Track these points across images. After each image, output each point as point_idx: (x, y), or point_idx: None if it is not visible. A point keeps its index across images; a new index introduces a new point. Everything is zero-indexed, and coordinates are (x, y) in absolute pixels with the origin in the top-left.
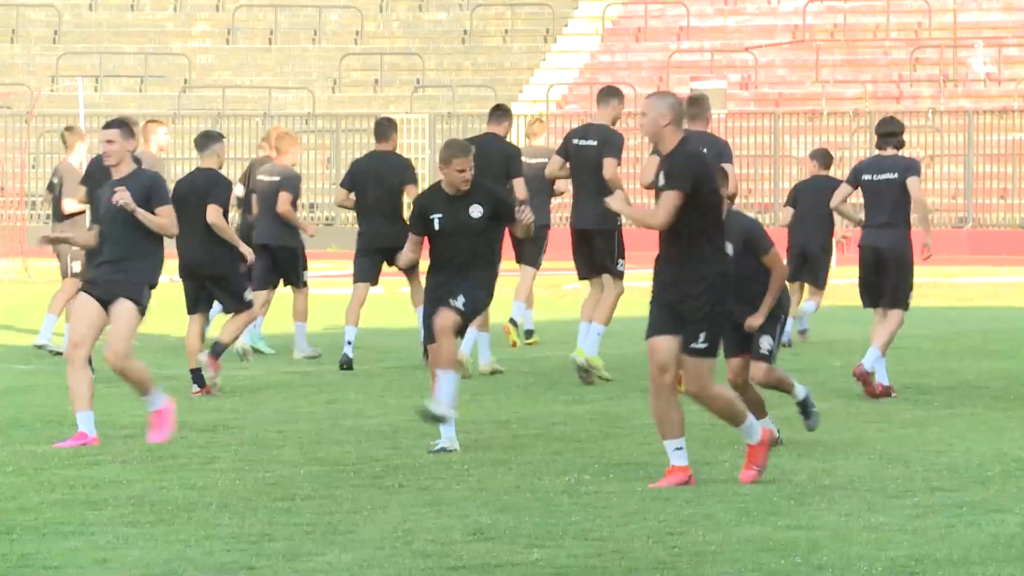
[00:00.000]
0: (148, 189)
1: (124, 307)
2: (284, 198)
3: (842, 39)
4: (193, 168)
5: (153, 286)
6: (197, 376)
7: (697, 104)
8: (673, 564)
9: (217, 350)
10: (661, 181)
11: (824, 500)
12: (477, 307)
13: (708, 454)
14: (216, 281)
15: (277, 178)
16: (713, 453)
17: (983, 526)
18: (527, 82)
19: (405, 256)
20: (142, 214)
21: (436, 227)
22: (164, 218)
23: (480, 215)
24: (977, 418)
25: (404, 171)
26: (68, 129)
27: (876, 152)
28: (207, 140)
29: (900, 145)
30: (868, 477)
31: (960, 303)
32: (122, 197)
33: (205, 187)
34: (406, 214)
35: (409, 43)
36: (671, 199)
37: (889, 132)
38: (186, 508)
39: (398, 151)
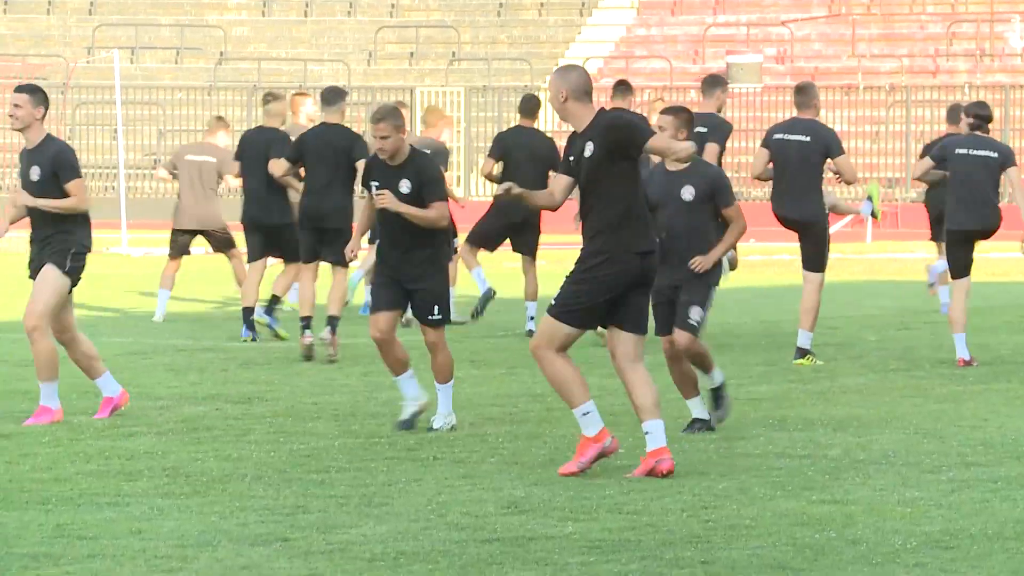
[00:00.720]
0: (55, 162)
1: (47, 270)
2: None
3: (878, 13)
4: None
5: (82, 252)
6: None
7: (803, 93)
8: (707, 538)
9: (333, 324)
10: (590, 151)
11: (859, 475)
12: (445, 304)
13: (743, 428)
14: (335, 233)
15: (427, 151)
16: (749, 428)
17: (1018, 501)
18: (562, 55)
19: (360, 219)
20: (45, 204)
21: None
22: (72, 197)
23: (408, 191)
24: (1012, 393)
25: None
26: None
27: (972, 133)
28: (335, 96)
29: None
30: (903, 452)
31: (995, 278)
32: (27, 202)
33: (341, 143)
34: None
35: (444, 16)
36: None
37: (989, 116)
38: (220, 480)
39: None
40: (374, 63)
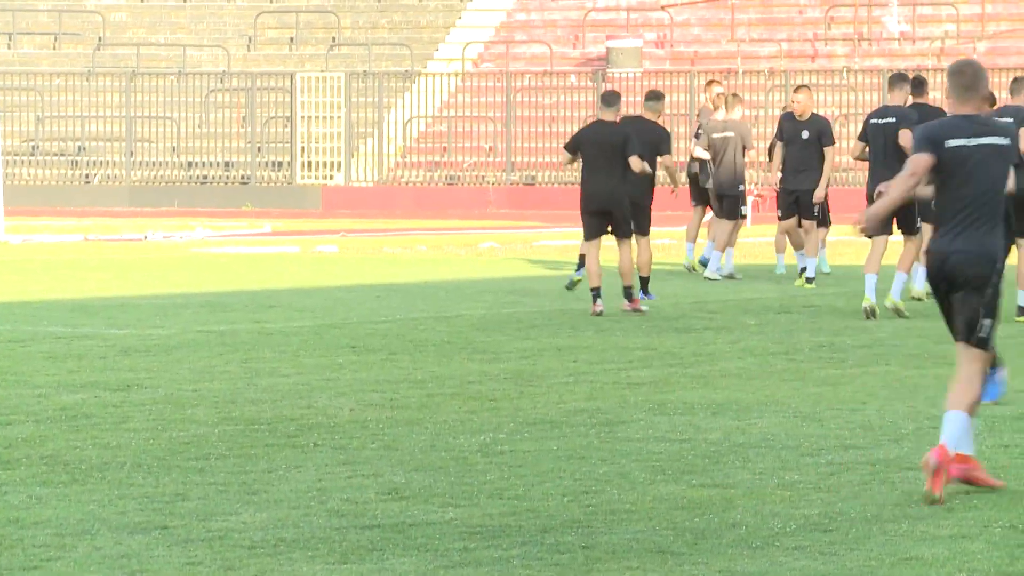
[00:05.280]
0: None
1: None
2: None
3: None
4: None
5: None
6: (596, 292)
7: (1019, 83)
8: (588, 523)
9: (628, 294)
10: None
11: (738, 458)
12: None
13: (623, 413)
14: (611, 214)
15: (731, 133)
16: (629, 412)
17: (896, 484)
18: (443, 40)
19: None
20: None
21: None
22: None
23: None
24: (891, 376)
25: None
26: (734, 95)
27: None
28: (615, 99)
29: None
30: (782, 435)
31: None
32: None
33: (615, 139)
34: None
35: (324, 1)
36: None
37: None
38: (99, 467)
39: (318, 109)
40: (254, 48)
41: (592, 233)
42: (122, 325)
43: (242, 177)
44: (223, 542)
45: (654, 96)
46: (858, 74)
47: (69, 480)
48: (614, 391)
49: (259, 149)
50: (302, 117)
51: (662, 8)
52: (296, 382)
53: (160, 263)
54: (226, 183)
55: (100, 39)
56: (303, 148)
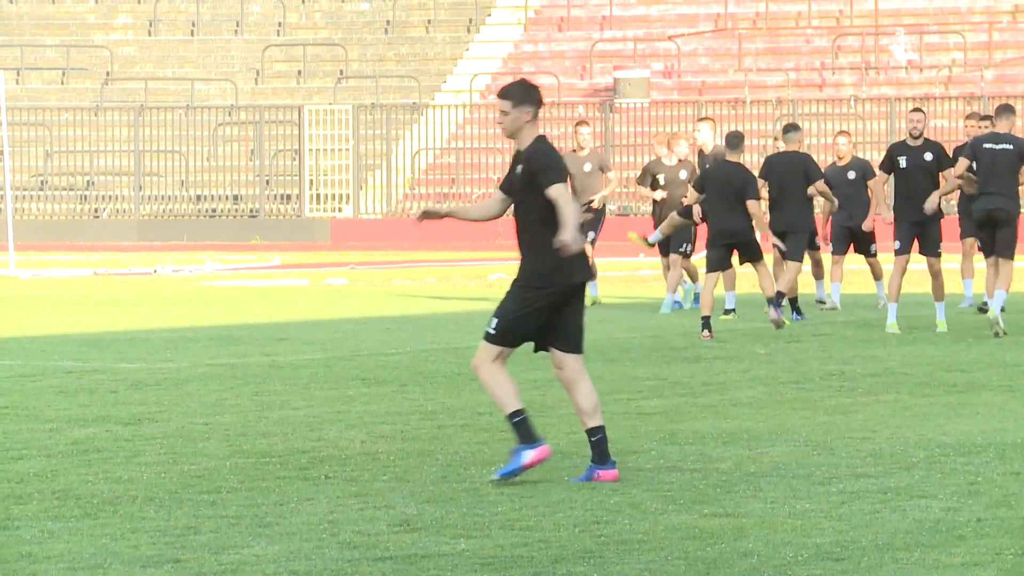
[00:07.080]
0: None
1: None
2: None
3: (764, 27)
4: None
5: None
6: (706, 323)
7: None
8: (600, 553)
9: (777, 301)
10: None
11: (750, 487)
12: None
13: (635, 443)
14: (742, 246)
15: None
16: (640, 442)
17: (907, 512)
18: (451, 72)
19: None
20: None
21: None
22: None
23: None
24: (901, 404)
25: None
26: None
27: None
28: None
29: None
30: (793, 464)
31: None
32: None
33: (736, 179)
34: None
35: (332, 34)
36: None
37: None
38: (111, 501)
39: (326, 142)
40: (262, 82)
41: (713, 265)
42: (132, 359)
43: (251, 210)
44: (235, 575)
45: (791, 128)
46: (865, 103)
47: (81, 514)
48: (625, 421)
49: (268, 182)
50: (310, 150)
51: (669, 38)
52: (307, 415)
53: (170, 297)
54: (235, 216)
55: (108, 74)
56: (312, 181)
